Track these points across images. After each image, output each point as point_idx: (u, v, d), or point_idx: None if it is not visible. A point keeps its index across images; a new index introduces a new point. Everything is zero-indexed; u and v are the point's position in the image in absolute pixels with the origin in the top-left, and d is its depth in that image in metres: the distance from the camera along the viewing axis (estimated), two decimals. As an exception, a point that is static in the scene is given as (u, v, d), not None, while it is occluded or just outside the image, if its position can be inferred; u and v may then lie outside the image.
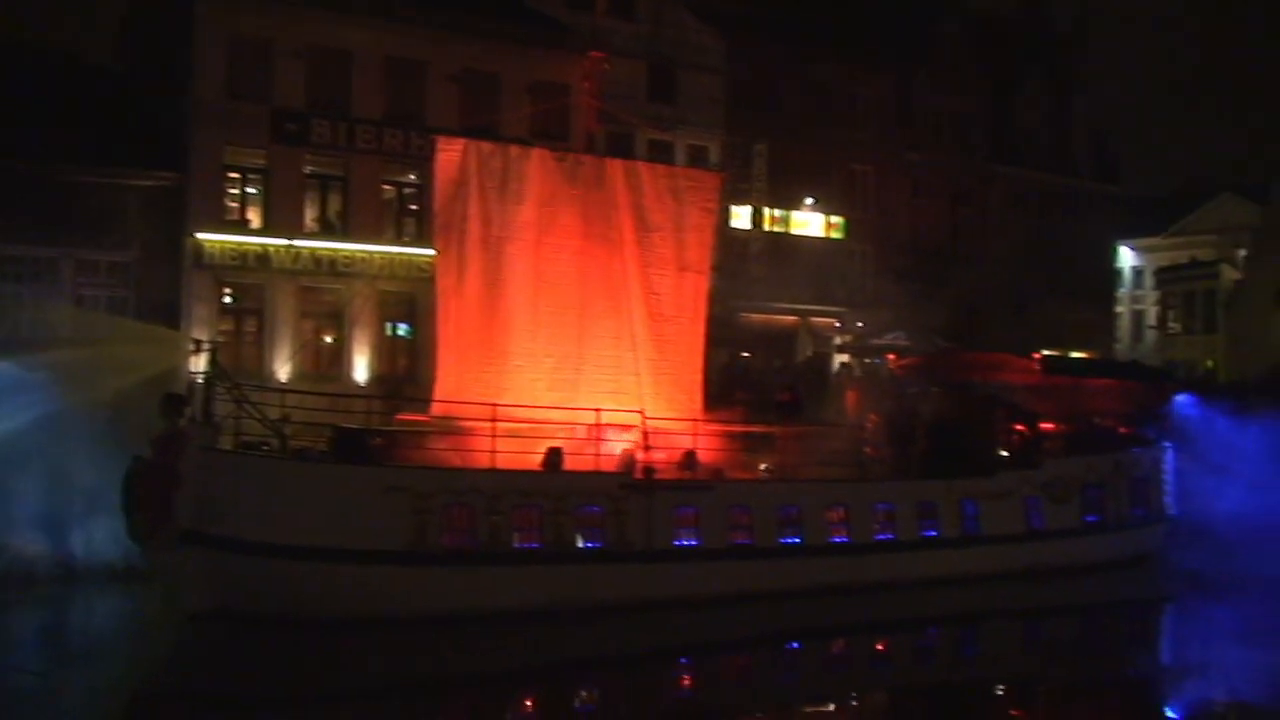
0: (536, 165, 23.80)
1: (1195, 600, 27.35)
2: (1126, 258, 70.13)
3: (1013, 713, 18.68)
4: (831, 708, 18.19)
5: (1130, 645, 23.93)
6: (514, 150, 24.01)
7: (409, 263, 34.83)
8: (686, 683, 19.54)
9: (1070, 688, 19.60)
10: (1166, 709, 18.77)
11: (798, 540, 22.78)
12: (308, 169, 34.84)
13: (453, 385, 22.69)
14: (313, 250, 34.22)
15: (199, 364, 19.37)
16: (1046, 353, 32.26)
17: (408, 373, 34.25)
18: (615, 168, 24.77)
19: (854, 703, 18.60)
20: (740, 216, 41.73)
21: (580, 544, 20.94)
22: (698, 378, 25.00)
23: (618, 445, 22.36)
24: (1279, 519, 34.24)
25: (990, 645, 22.73)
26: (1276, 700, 19.11)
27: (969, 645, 22.82)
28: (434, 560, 19.59)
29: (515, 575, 20.17)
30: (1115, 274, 61.11)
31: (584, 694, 18.31)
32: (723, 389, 28.25)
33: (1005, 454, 26.50)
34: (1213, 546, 31.39)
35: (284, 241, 33.80)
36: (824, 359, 42.32)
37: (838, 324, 44.28)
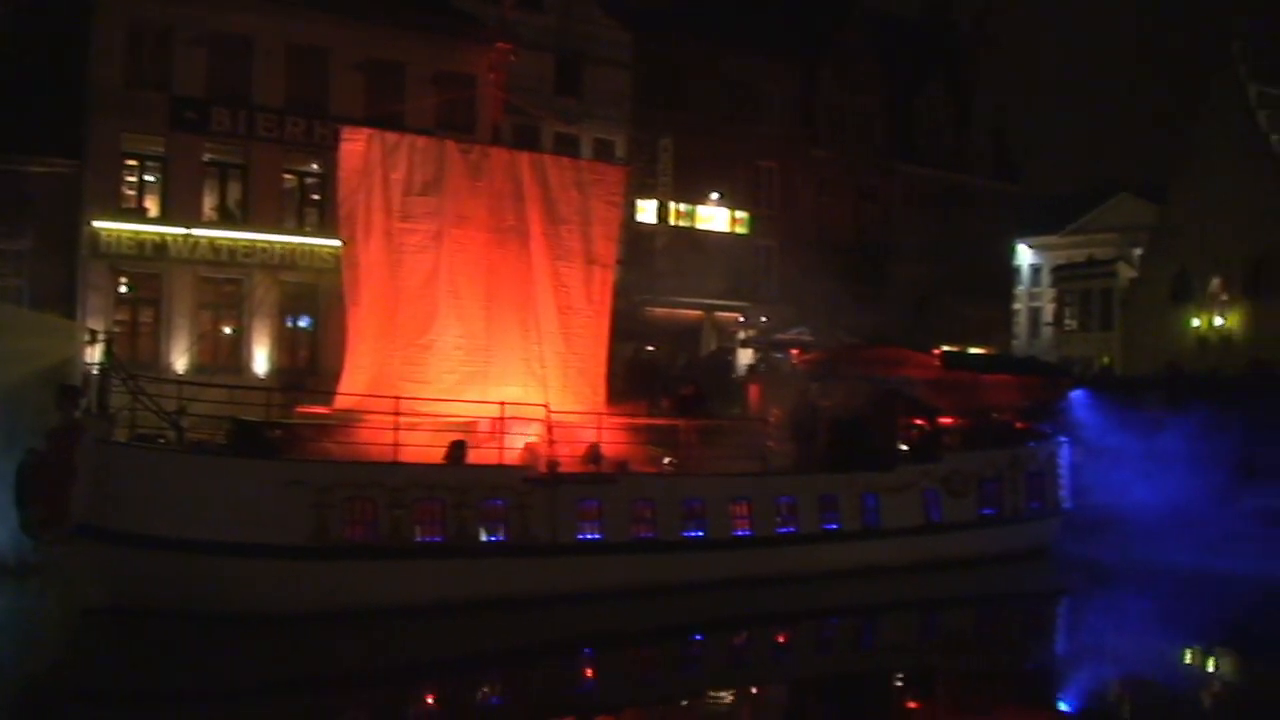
0: (442, 156, 23.60)
1: (1089, 591, 27.97)
2: (1025, 255, 71.47)
3: (910, 702, 18.91)
4: (733, 699, 18.29)
5: (1025, 635, 24.39)
6: (419, 141, 23.81)
7: (311, 253, 34.50)
8: (589, 675, 19.56)
9: (967, 677, 19.96)
10: (1060, 697, 19.14)
11: (701, 534, 22.90)
12: (207, 157, 34.37)
13: (360, 378, 22.48)
14: (211, 240, 33.77)
15: (94, 355, 18.99)
16: (946, 348, 32.72)
17: (309, 365, 33.94)
18: (522, 160, 24.65)
19: (756, 694, 18.74)
20: (646, 211, 41.89)
21: (484, 538, 20.86)
22: (603, 371, 25.01)
23: (522, 439, 22.29)
24: (1170, 511, 35.23)
25: (889, 636, 23.04)
26: (1167, 687, 19.62)
27: (869, 636, 23.11)
28: (335, 555, 19.39)
29: (417, 569, 20.03)
30: (1014, 271, 62.23)
31: (486, 688, 18.27)
32: (627, 383, 28.30)
33: (905, 448, 26.84)
34: (1106, 539, 32.15)
35: (182, 230, 33.33)
36: (728, 353, 42.63)
37: (742, 319, 44.58)
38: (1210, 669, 21.47)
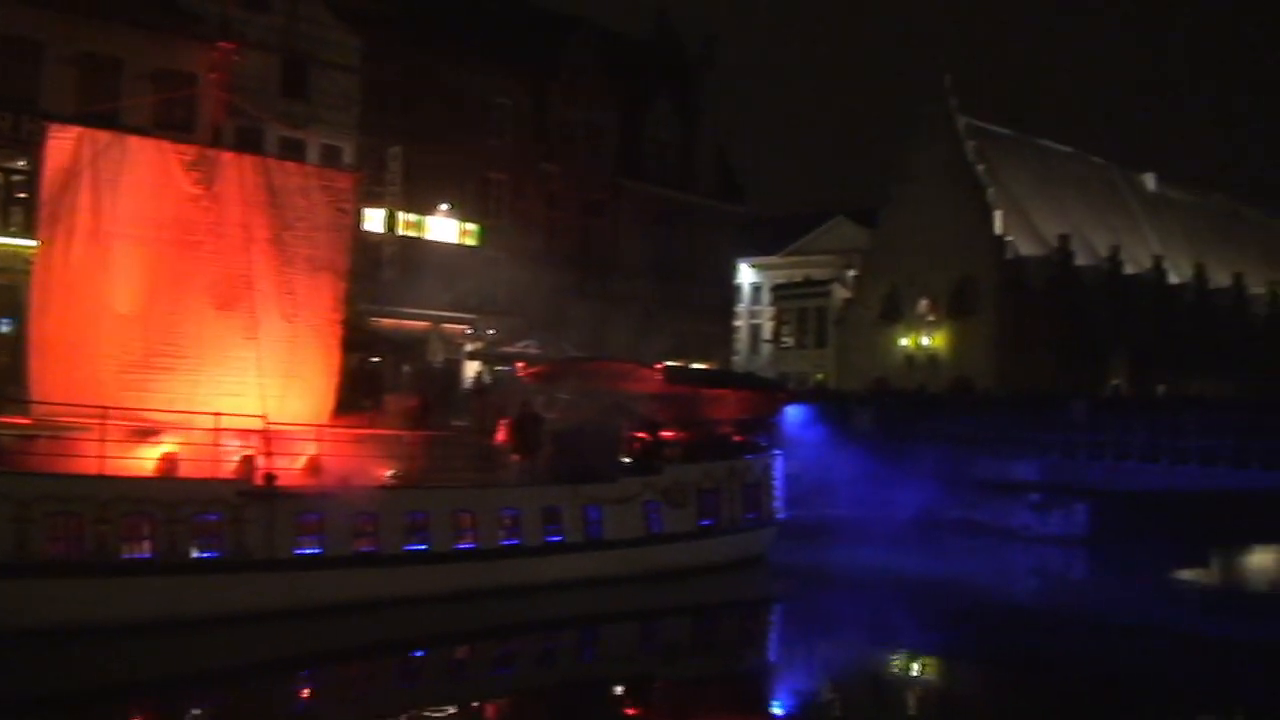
0: (157, 157, 22.67)
1: (800, 597, 29.03)
2: (747, 274, 73.64)
3: (629, 710, 19.22)
4: (454, 711, 18.21)
5: (741, 642, 25.16)
6: (133, 141, 22.81)
7: (14, 254, 32.69)
8: (305, 695, 19.15)
9: (684, 684, 20.45)
10: (773, 701, 19.80)
11: (424, 547, 22.73)
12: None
13: (54, 385, 21.24)
14: (-95, 237, 31.63)
15: None
16: (669, 363, 33.39)
17: (9, 371, 32.05)
18: (244, 163, 23.88)
19: (476, 708, 18.71)
20: (374, 220, 41.27)
21: (195, 554, 20.16)
22: (329, 381, 24.44)
23: (238, 450, 21.64)
24: (876, 521, 36.98)
25: (610, 646, 23.34)
26: (873, 689, 20.56)
27: (590, 646, 23.36)
28: (37, 571, 18.44)
29: (125, 586, 19.21)
30: (736, 289, 63.99)
31: (197, 710, 17.64)
32: (351, 394, 27.83)
33: (628, 460, 27.26)
34: (818, 547, 33.50)
35: (-128, 227, 31.08)
36: (455, 365, 42.42)
37: (470, 330, 44.44)
38: (910, 670, 22.52)
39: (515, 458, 26.03)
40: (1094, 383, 55.49)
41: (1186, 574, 35.06)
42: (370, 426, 24.43)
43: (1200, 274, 65.99)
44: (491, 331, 44.41)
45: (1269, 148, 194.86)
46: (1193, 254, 69.78)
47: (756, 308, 76.16)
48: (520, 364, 35.96)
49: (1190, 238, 72.59)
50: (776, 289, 71.48)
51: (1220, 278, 68.16)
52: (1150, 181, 74.00)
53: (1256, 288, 70.19)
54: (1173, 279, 64.52)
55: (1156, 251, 65.37)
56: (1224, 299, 67.11)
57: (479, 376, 41.25)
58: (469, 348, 43.86)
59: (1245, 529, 39.48)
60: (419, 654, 21.68)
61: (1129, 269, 61.21)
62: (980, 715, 19.80)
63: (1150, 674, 22.74)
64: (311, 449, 22.48)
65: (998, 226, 57.03)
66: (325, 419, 23.50)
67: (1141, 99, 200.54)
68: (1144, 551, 35.25)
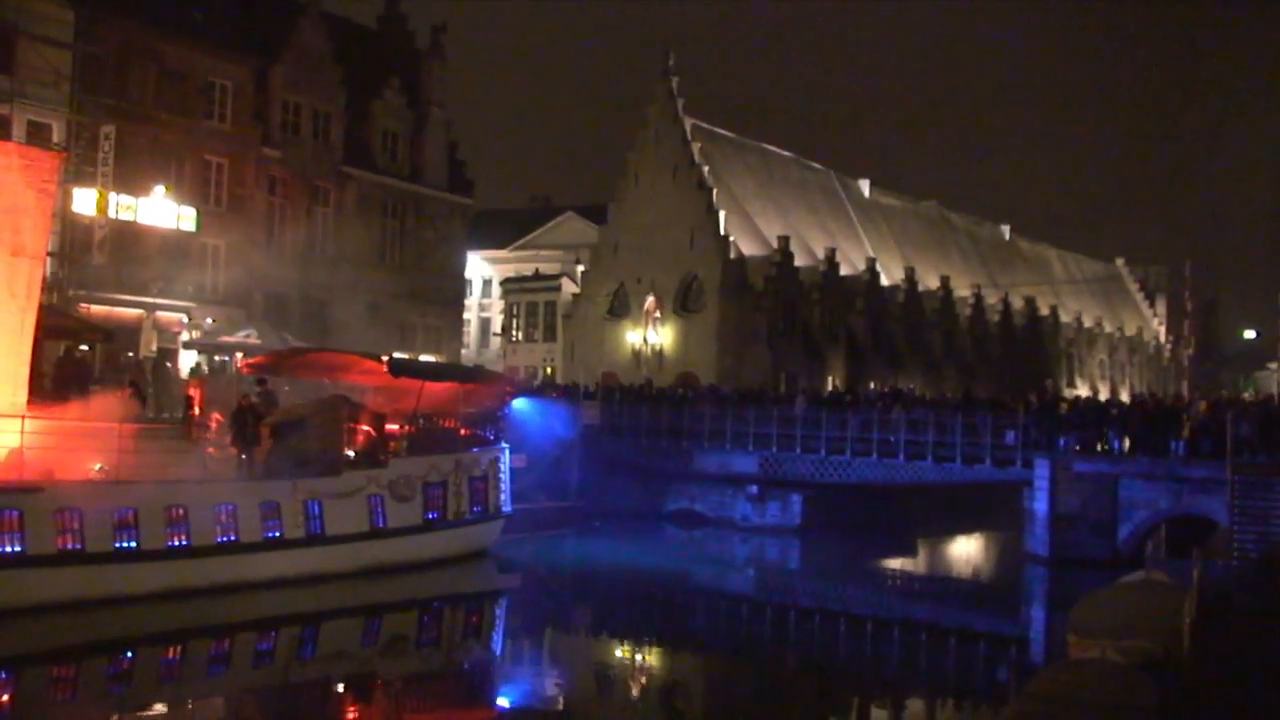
0: None
1: (527, 592, 29.20)
2: (477, 267, 73.35)
3: (350, 708, 18.93)
4: (165, 712, 17.55)
5: (465, 636, 25.11)
6: None
7: None
8: (4, 700, 18.10)
9: (407, 679, 20.28)
10: (497, 694, 19.82)
11: (134, 544, 21.82)
12: None
13: None
14: None
15: None
16: (395, 355, 33.04)
17: None
18: (-63, 138, 22.46)
19: (190, 708, 18.09)
20: (85, 201, 39.24)
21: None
22: (25, 370, 23.14)
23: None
24: (598, 512, 37.52)
25: (332, 643, 22.88)
26: (596, 678, 20.83)
27: (310, 644, 22.85)
28: None
29: None
30: (466, 282, 63.66)
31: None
32: (57, 383, 26.46)
33: (351, 453, 26.80)
34: (544, 539, 33.76)
35: None
36: (170, 354, 40.80)
37: (186, 319, 42.83)
38: (632, 658, 22.92)
39: (233, 451, 25.26)
40: (811, 378, 57.55)
41: (896, 562, 36.79)
42: (76, 417, 23.24)
43: (910, 276, 69.18)
44: (209, 320, 42.87)
45: (977, 156, 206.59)
46: (904, 257, 73.21)
47: (486, 300, 76.01)
48: (239, 354, 34.92)
49: (901, 241, 76.13)
50: (506, 282, 71.48)
51: (929, 280, 71.68)
52: (865, 188, 77.21)
53: (962, 290, 74.11)
54: (885, 280, 67.42)
55: (870, 254, 68.21)
56: (932, 300, 70.58)
57: (195, 366, 39.82)
58: (185, 337, 42.21)
59: (948, 520, 41.81)
60: (128, 655, 20.79)
61: (845, 270, 63.63)
62: (696, 699, 20.35)
63: (855, 657, 23.88)
64: (12, 440, 21.26)
65: (722, 227, 58.42)
66: (22, 409, 22.19)
67: (859, 109, 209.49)
68: (856, 540, 36.87)
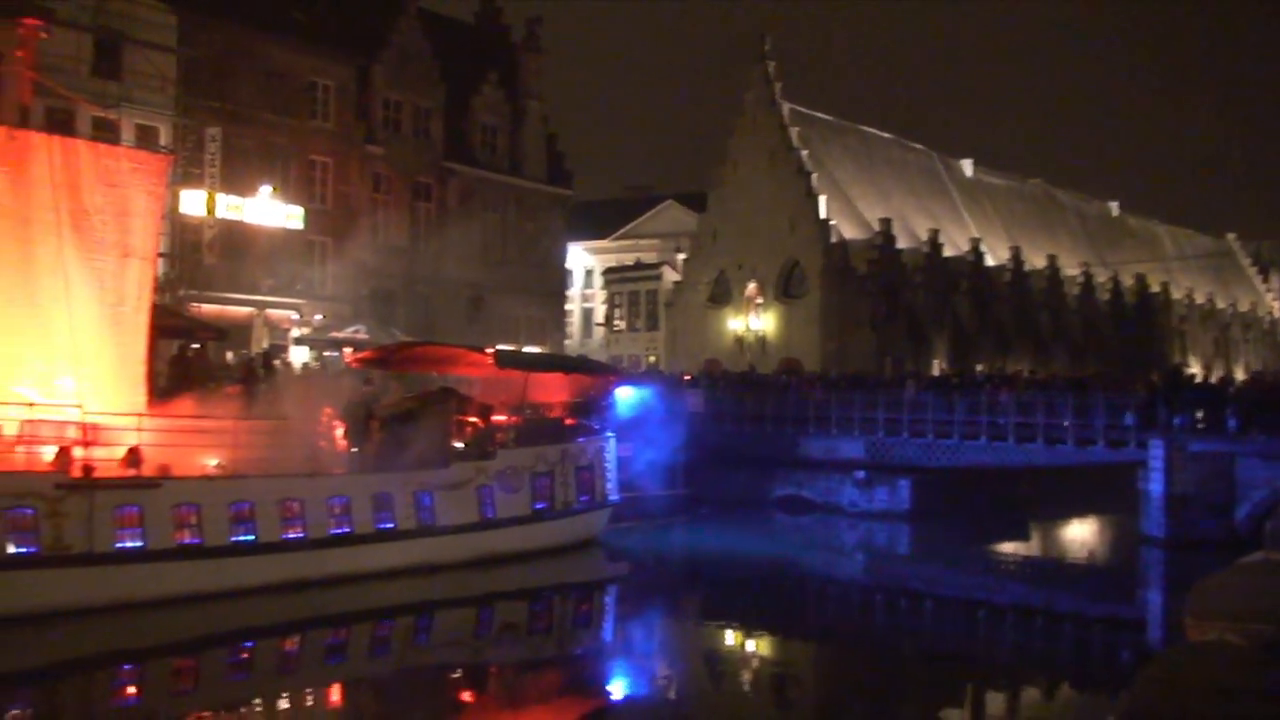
0: (-40, 138, 21.62)
1: (636, 580, 29.20)
2: (578, 258, 73.65)
3: (466, 695, 19.07)
4: (288, 702, 17.83)
5: (575, 625, 25.18)
6: (-74, 120, 21.71)
7: None
8: (133, 692, 18.52)
9: (520, 667, 20.38)
10: (609, 681, 19.85)
11: (250, 538, 22.19)
12: None
13: None
14: None
15: None
16: (500, 347, 33.24)
17: None
18: (54, 145, 22.90)
19: (310, 696, 18.35)
20: (193, 202, 40.06)
21: (10, 549, 19.35)
22: (143, 369, 23.64)
23: (52, 442, 20.81)
24: (705, 500, 37.40)
25: (445, 632, 23.09)
26: (707, 667, 20.77)
27: (424, 633, 23.08)
28: None
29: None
30: (567, 273, 63.92)
31: (24, 709, 16.90)
32: (171, 381, 26.99)
33: (460, 445, 27.00)
34: (652, 528, 33.77)
35: None
36: (281, 352, 41.49)
37: (296, 316, 43.52)
38: (744, 647, 22.82)
39: (344, 444, 25.57)
40: (916, 362, 56.87)
41: (1008, 546, 36.24)
42: (192, 414, 23.69)
43: (1016, 256, 68.06)
44: (319, 317, 43.55)
45: (1083, 132, 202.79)
46: (1009, 237, 71.99)
47: (588, 291, 76.25)
48: (348, 350, 35.37)
49: (1006, 221, 74.88)
50: (608, 272, 71.67)
51: (1036, 260, 70.44)
52: (968, 167, 76.04)
53: (1070, 269, 72.73)
54: (990, 261, 66.40)
55: (974, 235, 67.21)
56: (1039, 280, 69.35)
57: (306, 363, 40.44)
58: (296, 334, 42.92)
59: (1060, 503, 41.04)
60: (248, 645, 21.14)
61: (948, 252, 62.78)
62: (808, 687, 20.19)
63: (968, 642, 23.52)
64: (131, 438, 21.72)
65: (822, 211, 57.95)
66: (141, 407, 22.68)
67: (961, 88, 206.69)
68: (965, 525, 36.36)
